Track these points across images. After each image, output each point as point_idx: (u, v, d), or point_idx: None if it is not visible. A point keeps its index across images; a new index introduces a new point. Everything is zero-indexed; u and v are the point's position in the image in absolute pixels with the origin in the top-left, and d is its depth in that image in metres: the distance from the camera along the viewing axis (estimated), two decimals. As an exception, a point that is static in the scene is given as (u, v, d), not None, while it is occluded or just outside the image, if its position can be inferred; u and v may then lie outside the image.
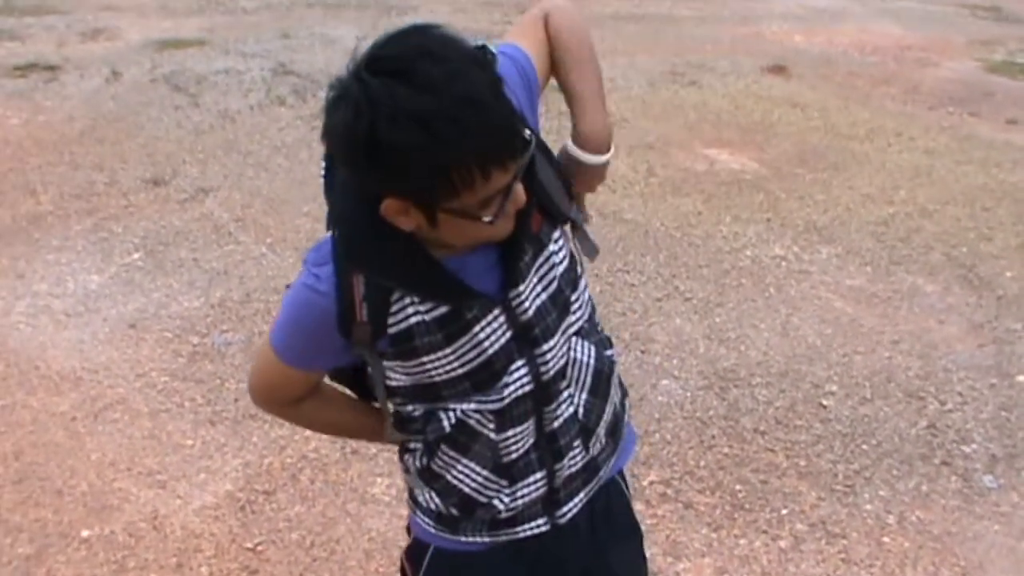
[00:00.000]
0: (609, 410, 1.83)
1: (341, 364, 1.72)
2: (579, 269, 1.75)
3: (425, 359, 1.61)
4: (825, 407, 4.14)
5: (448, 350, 1.60)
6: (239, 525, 3.46)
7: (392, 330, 1.58)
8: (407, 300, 1.57)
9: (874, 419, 4.08)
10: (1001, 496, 3.69)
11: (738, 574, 3.29)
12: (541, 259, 1.64)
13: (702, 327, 4.71)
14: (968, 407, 4.19)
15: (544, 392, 1.68)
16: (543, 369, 1.66)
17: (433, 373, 1.63)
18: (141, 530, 3.43)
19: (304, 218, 5.75)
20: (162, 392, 4.16)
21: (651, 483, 3.69)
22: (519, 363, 1.65)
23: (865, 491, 3.69)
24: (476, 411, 1.67)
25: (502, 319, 1.61)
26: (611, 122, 1.75)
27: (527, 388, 1.67)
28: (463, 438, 1.70)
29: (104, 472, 3.71)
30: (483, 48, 1.50)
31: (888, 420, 4.08)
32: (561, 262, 1.68)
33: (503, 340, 1.62)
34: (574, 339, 1.72)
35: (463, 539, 1.81)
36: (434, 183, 1.36)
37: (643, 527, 2.12)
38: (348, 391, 1.86)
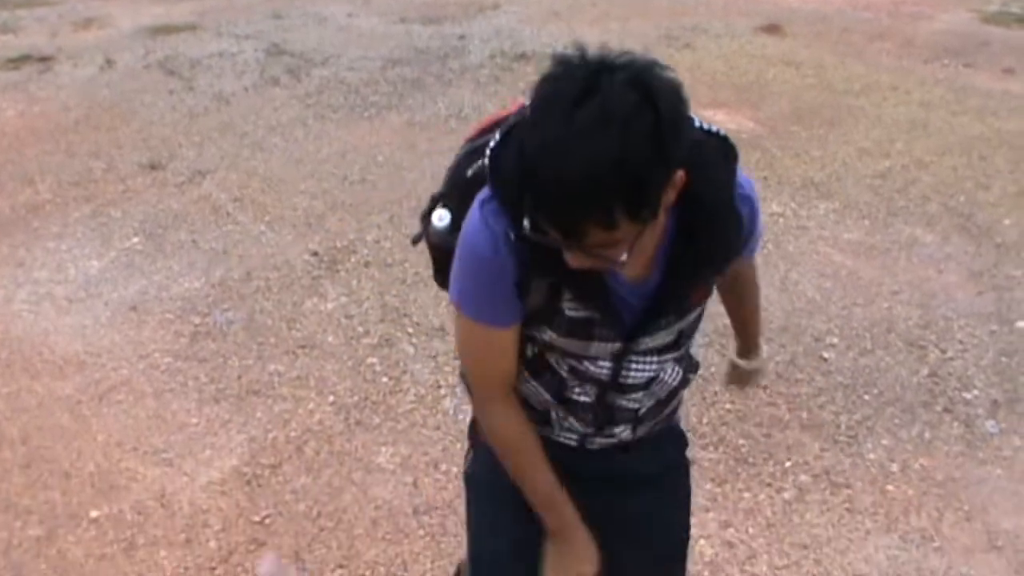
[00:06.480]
0: (667, 411, 1.95)
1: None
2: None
3: (544, 325, 1.70)
4: (826, 359, 4.15)
5: (561, 338, 1.70)
6: (246, 499, 3.48)
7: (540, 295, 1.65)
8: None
9: (875, 369, 4.09)
10: (1003, 440, 3.70)
11: (743, 527, 3.31)
12: (682, 322, 1.73)
13: (702, 286, 4.71)
14: (968, 354, 4.19)
15: (616, 385, 1.79)
16: (623, 374, 1.77)
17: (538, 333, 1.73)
18: (149, 508, 3.46)
19: (301, 196, 5.76)
20: (165, 372, 4.18)
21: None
22: (607, 362, 1.74)
23: (868, 441, 3.70)
24: (556, 357, 1.77)
25: (618, 344, 1.70)
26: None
27: (603, 375, 1.76)
28: (539, 364, 1.80)
29: (111, 453, 3.73)
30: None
31: (889, 370, 4.09)
32: (696, 319, 1.78)
33: (606, 348, 1.72)
34: (670, 364, 1.82)
35: None
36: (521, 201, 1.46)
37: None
38: None
